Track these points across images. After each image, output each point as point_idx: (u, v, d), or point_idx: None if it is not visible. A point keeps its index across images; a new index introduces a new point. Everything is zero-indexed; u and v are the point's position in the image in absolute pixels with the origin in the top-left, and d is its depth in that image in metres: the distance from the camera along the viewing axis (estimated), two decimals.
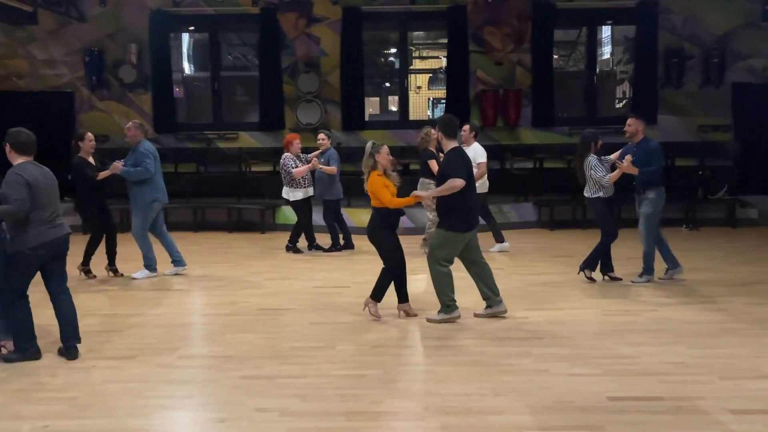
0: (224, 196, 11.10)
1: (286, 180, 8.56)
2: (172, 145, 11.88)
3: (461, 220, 5.49)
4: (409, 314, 5.77)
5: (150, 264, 7.46)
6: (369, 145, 5.69)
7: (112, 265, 7.47)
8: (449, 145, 5.58)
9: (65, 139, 11.47)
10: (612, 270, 6.99)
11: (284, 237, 9.06)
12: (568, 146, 11.46)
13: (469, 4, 11.45)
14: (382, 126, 12.38)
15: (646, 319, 5.68)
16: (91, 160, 7.25)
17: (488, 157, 11.59)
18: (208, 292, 6.94)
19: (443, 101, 12.69)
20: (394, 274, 5.67)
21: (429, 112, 16.08)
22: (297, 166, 8.46)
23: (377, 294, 5.70)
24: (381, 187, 5.54)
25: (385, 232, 5.65)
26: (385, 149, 5.65)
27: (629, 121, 6.84)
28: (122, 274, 7.45)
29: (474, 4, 11.45)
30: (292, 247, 8.75)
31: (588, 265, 6.91)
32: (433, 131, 7.79)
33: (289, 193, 8.60)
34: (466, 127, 8.40)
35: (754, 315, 5.72)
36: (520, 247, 9.03)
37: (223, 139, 11.99)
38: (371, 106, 15.11)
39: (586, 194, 6.86)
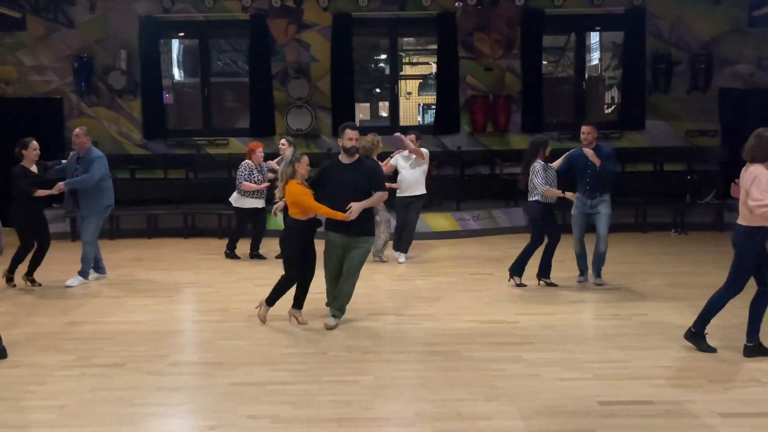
0: (214, 202, 11.05)
1: (238, 186, 8.56)
2: (162, 152, 11.84)
3: (373, 226, 5.82)
4: (299, 321, 5.76)
5: (87, 271, 7.46)
6: (290, 152, 5.64)
7: (30, 275, 7.33)
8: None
9: (54, 146, 11.46)
10: (548, 276, 7.05)
11: (275, 243, 8.98)
12: (558, 151, 11.50)
13: (458, 10, 11.52)
14: (372, 131, 12.37)
15: (636, 323, 5.71)
16: (33, 168, 7.13)
17: (478, 162, 11.83)
18: (198, 299, 6.91)
19: (433, 107, 12.73)
20: (292, 285, 5.70)
21: (419, 118, 16.12)
22: (251, 177, 8.45)
23: (271, 299, 5.75)
24: (305, 195, 5.47)
25: (299, 242, 5.62)
26: (305, 159, 5.57)
27: (588, 129, 6.89)
28: (40, 284, 7.32)
29: (463, 10, 11.51)
30: (230, 254, 8.77)
31: (516, 270, 7.03)
32: (380, 139, 7.99)
33: (237, 200, 8.58)
34: (412, 135, 8.53)
35: (743, 318, 5.74)
36: (510, 252, 9.03)
37: (213, 146, 11.96)
38: (361, 111, 15.11)
39: (529, 198, 6.94)
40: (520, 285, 6.98)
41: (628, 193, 10.87)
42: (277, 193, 5.66)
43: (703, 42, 11.68)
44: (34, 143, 7.14)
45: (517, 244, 9.69)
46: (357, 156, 5.67)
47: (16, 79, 11.77)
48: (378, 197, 5.63)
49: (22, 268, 7.28)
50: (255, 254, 8.83)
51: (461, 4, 11.36)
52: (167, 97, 12.56)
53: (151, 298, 6.87)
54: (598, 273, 7.01)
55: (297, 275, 5.68)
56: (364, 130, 12.39)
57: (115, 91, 11.74)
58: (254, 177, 8.52)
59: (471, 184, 11.52)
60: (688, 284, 7.05)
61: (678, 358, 4.81)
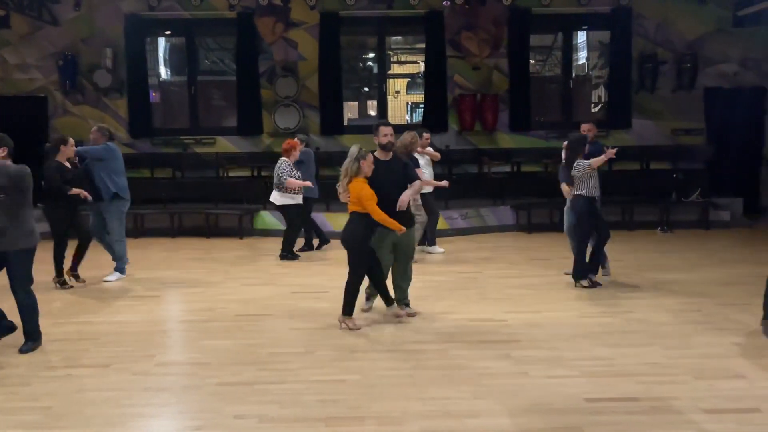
0: (201, 202, 11.01)
1: (278, 184, 8.52)
2: (148, 150, 11.77)
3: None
4: (400, 316, 5.81)
5: (124, 267, 7.56)
6: (355, 149, 5.54)
7: (74, 270, 7.33)
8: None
9: (38, 144, 11.32)
10: (595, 273, 7.04)
11: (263, 242, 9.03)
12: (545, 150, 11.62)
13: (445, 9, 11.54)
14: (360, 130, 12.37)
15: (622, 320, 5.75)
16: (67, 165, 7.11)
17: (466, 161, 11.89)
18: (185, 299, 6.87)
19: (422, 106, 12.75)
20: (360, 284, 5.63)
21: (407, 117, 16.12)
22: (292, 174, 8.44)
23: (349, 308, 5.60)
24: (371, 197, 5.42)
25: (365, 238, 5.58)
26: (370, 157, 5.54)
27: (587, 126, 7.31)
28: (84, 281, 7.33)
29: (451, 9, 11.54)
30: (288, 255, 8.61)
31: (592, 270, 6.98)
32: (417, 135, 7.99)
33: (280, 198, 8.55)
34: (428, 134, 8.72)
35: (727, 315, 5.83)
36: (497, 250, 9.09)
37: (200, 144, 11.90)
38: (350, 110, 15.09)
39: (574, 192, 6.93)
40: (593, 285, 6.84)
41: (614, 192, 10.94)
42: (340, 188, 5.57)
43: (689, 42, 11.78)
44: (72, 140, 7.14)
45: (505, 242, 9.78)
46: (392, 152, 5.79)
47: (0, 78, 11.64)
48: (418, 186, 5.81)
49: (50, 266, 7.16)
50: (288, 255, 8.64)
51: (449, 3, 11.39)
52: (153, 96, 12.49)
53: (138, 298, 6.82)
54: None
55: (364, 272, 5.64)
56: (352, 129, 12.53)
57: (101, 90, 11.65)
58: (294, 174, 8.49)
59: (459, 182, 11.54)
60: (674, 282, 7.11)
61: (663, 355, 4.84)
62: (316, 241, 9.25)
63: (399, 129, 9.80)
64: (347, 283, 5.61)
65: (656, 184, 11.25)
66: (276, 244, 8.88)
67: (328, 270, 7.97)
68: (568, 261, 7.23)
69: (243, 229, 10.46)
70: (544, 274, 7.55)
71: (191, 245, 9.86)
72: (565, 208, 7.22)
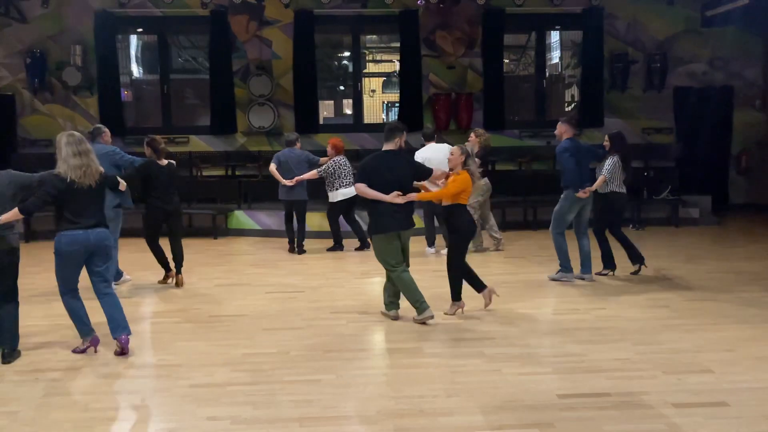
0: None
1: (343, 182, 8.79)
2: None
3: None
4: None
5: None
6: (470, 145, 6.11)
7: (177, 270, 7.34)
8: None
9: (6, 144, 11.11)
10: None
11: (237, 242, 8.95)
12: (519, 149, 11.71)
13: (420, 8, 11.57)
14: (336, 129, 12.37)
15: (594, 317, 5.82)
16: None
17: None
18: (158, 299, 6.79)
19: (397, 105, 12.76)
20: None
21: (383, 116, 16.14)
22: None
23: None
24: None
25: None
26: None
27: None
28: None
29: (425, 8, 11.57)
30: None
31: (639, 258, 7.29)
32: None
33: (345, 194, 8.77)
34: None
35: (696, 311, 5.94)
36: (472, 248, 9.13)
37: (173, 144, 11.75)
38: (325, 109, 15.07)
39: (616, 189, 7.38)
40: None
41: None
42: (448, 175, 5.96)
43: (659, 42, 11.97)
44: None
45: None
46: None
47: None
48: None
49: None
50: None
51: (423, 2, 11.40)
52: (125, 94, 12.31)
53: None
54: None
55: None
56: (327, 128, 12.47)
57: (70, 88, 11.45)
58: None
59: None
60: (644, 278, 7.21)
61: (634, 351, 4.91)
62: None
63: (376, 128, 9.87)
64: (454, 273, 5.93)
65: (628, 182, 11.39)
66: (249, 245, 8.81)
67: (304, 270, 7.94)
68: (542, 258, 7.30)
69: (217, 229, 10.37)
70: (517, 271, 7.61)
71: (164, 245, 9.68)
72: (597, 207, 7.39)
